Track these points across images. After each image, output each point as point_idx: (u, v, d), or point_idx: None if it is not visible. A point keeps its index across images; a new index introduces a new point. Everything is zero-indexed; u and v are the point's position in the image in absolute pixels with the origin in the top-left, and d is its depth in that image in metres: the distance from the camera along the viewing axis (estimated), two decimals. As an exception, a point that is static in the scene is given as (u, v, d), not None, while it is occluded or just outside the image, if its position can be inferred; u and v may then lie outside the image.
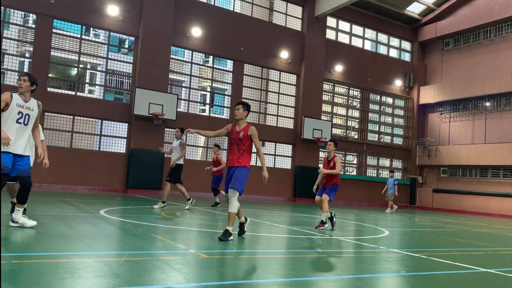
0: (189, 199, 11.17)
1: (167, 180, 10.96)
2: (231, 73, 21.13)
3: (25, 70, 18.03)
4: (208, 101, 22.29)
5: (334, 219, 8.94)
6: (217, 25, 20.32)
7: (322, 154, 23.44)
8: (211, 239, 6.26)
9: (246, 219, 6.65)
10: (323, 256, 5.60)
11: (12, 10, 16.74)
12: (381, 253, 6.03)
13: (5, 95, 5.53)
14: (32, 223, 5.90)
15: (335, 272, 4.65)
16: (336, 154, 8.88)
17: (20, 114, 5.62)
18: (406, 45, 27.64)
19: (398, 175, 26.74)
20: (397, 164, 26.86)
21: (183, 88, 20.95)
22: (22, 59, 18.19)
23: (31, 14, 17.58)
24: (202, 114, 21.46)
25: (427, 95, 26.61)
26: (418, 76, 27.03)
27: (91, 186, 17.25)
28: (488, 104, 24.19)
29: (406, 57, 27.63)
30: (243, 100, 21.10)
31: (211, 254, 5.01)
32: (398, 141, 26.97)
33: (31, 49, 17.05)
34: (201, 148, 21.21)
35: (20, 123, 5.62)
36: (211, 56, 21.05)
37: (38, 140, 6.14)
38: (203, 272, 4.08)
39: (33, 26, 17.12)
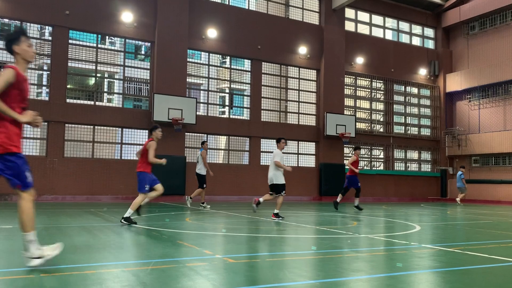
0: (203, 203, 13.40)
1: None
2: (249, 73, 20.79)
3: (44, 82, 18.15)
4: (227, 103, 22.01)
5: None
6: (232, 25, 20.01)
7: (347, 150, 22.88)
8: (237, 243, 6.28)
9: None
10: (353, 256, 5.44)
11: (28, 24, 16.82)
12: (413, 249, 5.88)
13: None
14: None
15: (366, 272, 4.48)
16: None
17: None
18: (429, 32, 26.69)
19: (427, 167, 25.90)
20: (426, 156, 26.00)
21: (201, 91, 20.74)
22: (40, 72, 18.32)
23: (47, 27, 17.66)
24: (222, 116, 21.21)
25: (454, 82, 25.64)
26: (443, 63, 26.07)
27: (114, 195, 17.23)
28: (520, 88, 23.14)
29: (430, 44, 26.69)
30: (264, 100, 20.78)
31: (238, 259, 4.95)
32: (425, 132, 26.10)
33: (49, 61, 17.12)
34: (222, 151, 20.97)
35: None
36: (228, 57, 20.76)
37: None
38: (231, 277, 4.02)
39: (50, 38, 17.19)
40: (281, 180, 9.98)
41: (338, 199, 13.49)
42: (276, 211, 9.90)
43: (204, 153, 13.43)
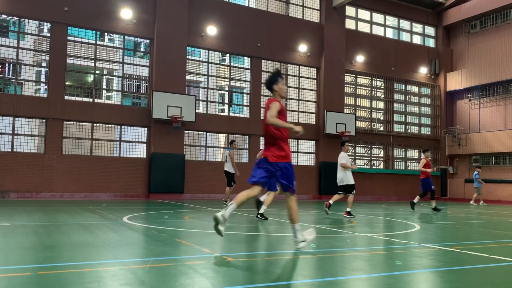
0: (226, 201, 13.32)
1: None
2: (249, 71, 20.69)
3: (42, 79, 18.04)
4: (226, 101, 21.90)
5: None
6: (232, 22, 19.90)
7: (347, 149, 22.76)
8: (236, 241, 6.22)
9: None
10: (352, 255, 5.40)
11: (26, 20, 16.71)
12: (412, 249, 5.84)
13: None
14: None
15: (365, 271, 4.44)
16: None
17: None
18: (430, 30, 26.60)
19: (427, 166, 25.81)
20: (426, 154, 25.89)
21: (200, 89, 20.63)
22: (38, 68, 18.19)
23: (45, 23, 17.53)
24: (221, 114, 21.09)
25: (455, 81, 25.56)
26: (444, 62, 25.99)
27: (113, 193, 17.14)
28: (520, 87, 23.06)
29: (431, 43, 26.60)
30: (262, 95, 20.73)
31: (237, 257, 4.92)
32: (426, 131, 26.03)
33: (47, 58, 17.00)
34: (221, 149, 20.85)
35: None
36: (228, 54, 20.66)
37: None
38: (229, 275, 3.99)
39: (48, 34, 17.07)
40: (351, 180, 10.72)
41: (415, 200, 14.02)
42: (348, 209, 10.52)
43: (232, 153, 13.59)
